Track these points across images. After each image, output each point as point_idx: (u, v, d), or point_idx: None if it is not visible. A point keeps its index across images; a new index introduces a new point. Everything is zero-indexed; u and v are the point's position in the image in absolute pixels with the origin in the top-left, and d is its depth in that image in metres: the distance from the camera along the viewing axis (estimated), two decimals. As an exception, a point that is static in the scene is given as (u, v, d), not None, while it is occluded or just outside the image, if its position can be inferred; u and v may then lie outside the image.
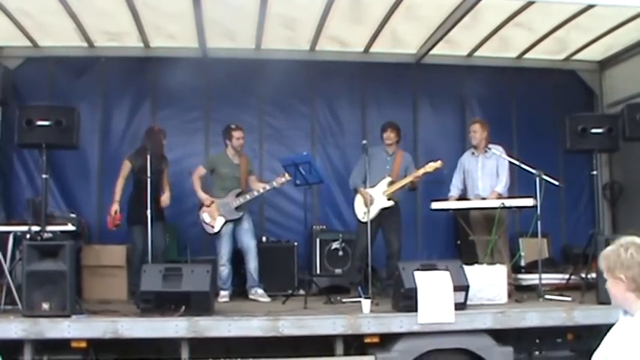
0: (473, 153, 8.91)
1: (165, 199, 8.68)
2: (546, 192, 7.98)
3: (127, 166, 8.66)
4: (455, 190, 8.92)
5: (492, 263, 8.00)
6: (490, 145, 8.73)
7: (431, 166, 8.55)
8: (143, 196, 8.17)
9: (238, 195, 8.72)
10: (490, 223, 8.25)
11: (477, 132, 8.77)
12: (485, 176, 8.73)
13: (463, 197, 8.92)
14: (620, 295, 3.24)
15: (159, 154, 8.73)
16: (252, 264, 8.64)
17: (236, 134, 8.84)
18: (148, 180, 8.14)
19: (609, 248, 3.29)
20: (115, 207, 8.49)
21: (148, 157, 8.22)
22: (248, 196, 8.72)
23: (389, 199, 8.58)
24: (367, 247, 8.23)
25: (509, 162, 8.60)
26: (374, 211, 8.56)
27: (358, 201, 8.77)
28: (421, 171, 8.58)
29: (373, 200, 8.57)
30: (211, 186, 8.96)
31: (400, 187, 8.64)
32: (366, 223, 8.38)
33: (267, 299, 8.44)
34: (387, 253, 8.75)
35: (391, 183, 8.69)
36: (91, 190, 9.96)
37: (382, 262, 8.90)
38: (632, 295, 3.20)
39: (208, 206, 8.70)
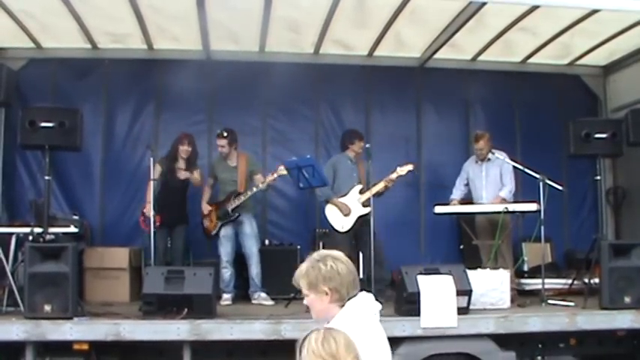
0: (476, 161, 8.89)
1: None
2: (550, 197, 7.97)
3: (157, 170, 8.61)
4: (457, 192, 8.91)
5: (496, 268, 7.98)
6: (493, 150, 8.72)
7: (403, 169, 8.50)
8: (166, 201, 8.24)
9: (235, 197, 8.73)
10: (495, 227, 8.24)
11: (484, 148, 8.73)
12: (490, 185, 8.70)
13: (466, 201, 8.90)
14: (324, 308, 3.36)
15: (186, 159, 8.90)
16: (254, 270, 8.67)
17: (217, 142, 8.88)
18: (151, 183, 8.17)
19: (305, 265, 3.41)
20: (149, 207, 8.31)
21: (151, 159, 8.27)
22: (242, 197, 8.71)
23: (365, 206, 8.47)
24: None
25: (513, 167, 8.59)
26: (352, 220, 8.51)
27: (332, 212, 8.67)
28: (394, 175, 8.49)
29: (350, 211, 8.53)
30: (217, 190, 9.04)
31: (375, 193, 8.43)
32: (343, 233, 8.49)
33: (271, 302, 8.43)
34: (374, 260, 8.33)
35: (361, 190, 8.61)
36: (94, 192, 9.95)
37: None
38: (334, 305, 3.34)
39: (207, 215, 8.78)
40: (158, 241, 8.37)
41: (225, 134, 8.81)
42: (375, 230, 8.24)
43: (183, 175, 8.79)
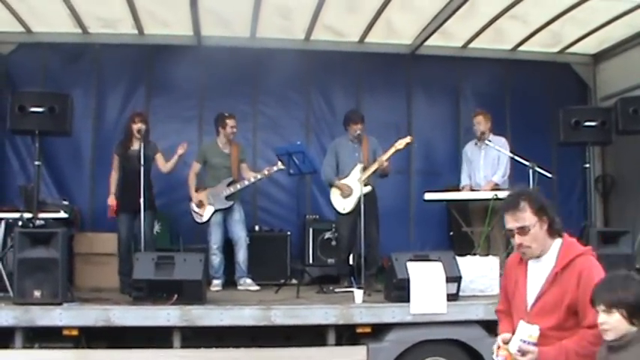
0: (476, 144, 8.90)
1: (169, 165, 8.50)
2: (539, 184, 7.98)
3: (115, 160, 8.57)
4: (466, 178, 8.89)
5: (487, 254, 8.01)
6: (491, 136, 8.73)
7: (400, 143, 8.47)
8: (126, 184, 8.22)
9: (229, 184, 8.69)
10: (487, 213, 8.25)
11: (481, 123, 8.76)
12: (487, 166, 8.72)
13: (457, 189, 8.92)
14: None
15: (141, 138, 8.36)
16: (241, 255, 8.64)
17: (230, 122, 8.77)
18: (142, 169, 8.06)
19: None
20: (110, 199, 8.46)
21: (141, 144, 8.18)
22: (239, 186, 8.68)
23: (366, 185, 8.38)
24: (350, 239, 8.44)
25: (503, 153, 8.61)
26: (353, 201, 8.49)
27: (334, 194, 8.70)
28: (392, 149, 8.47)
29: (352, 191, 8.52)
30: (205, 175, 8.91)
31: (375, 169, 8.47)
32: (346, 215, 8.51)
33: (256, 287, 8.43)
34: (365, 243, 8.36)
35: (364, 169, 8.52)
36: (84, 177, 9.93)
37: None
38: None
39: (197, 205, 8.70)
40: (121, 229, 8.32)
41: (234, 115, 8.86)
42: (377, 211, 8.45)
43: (169, 165, 8.48)
